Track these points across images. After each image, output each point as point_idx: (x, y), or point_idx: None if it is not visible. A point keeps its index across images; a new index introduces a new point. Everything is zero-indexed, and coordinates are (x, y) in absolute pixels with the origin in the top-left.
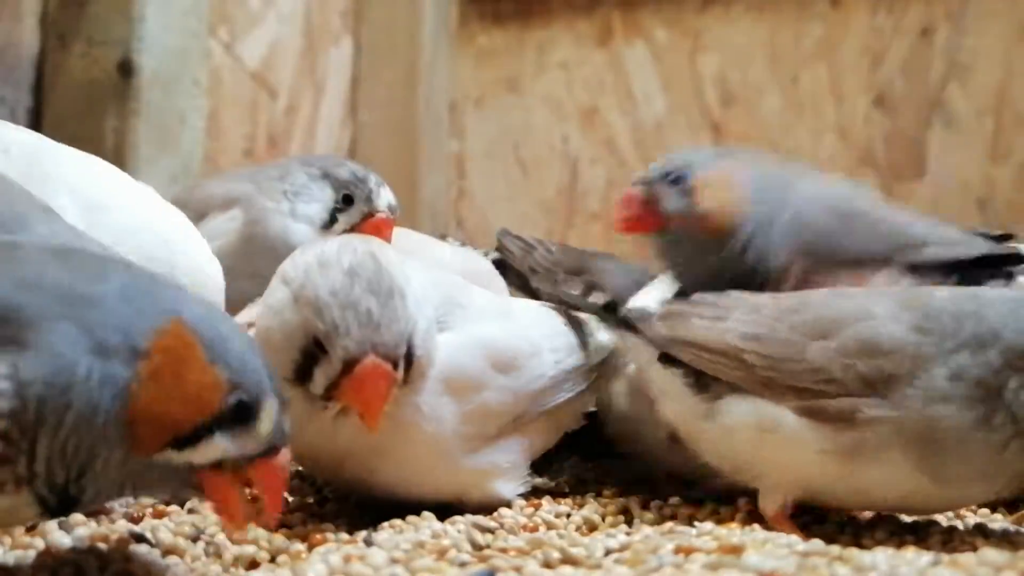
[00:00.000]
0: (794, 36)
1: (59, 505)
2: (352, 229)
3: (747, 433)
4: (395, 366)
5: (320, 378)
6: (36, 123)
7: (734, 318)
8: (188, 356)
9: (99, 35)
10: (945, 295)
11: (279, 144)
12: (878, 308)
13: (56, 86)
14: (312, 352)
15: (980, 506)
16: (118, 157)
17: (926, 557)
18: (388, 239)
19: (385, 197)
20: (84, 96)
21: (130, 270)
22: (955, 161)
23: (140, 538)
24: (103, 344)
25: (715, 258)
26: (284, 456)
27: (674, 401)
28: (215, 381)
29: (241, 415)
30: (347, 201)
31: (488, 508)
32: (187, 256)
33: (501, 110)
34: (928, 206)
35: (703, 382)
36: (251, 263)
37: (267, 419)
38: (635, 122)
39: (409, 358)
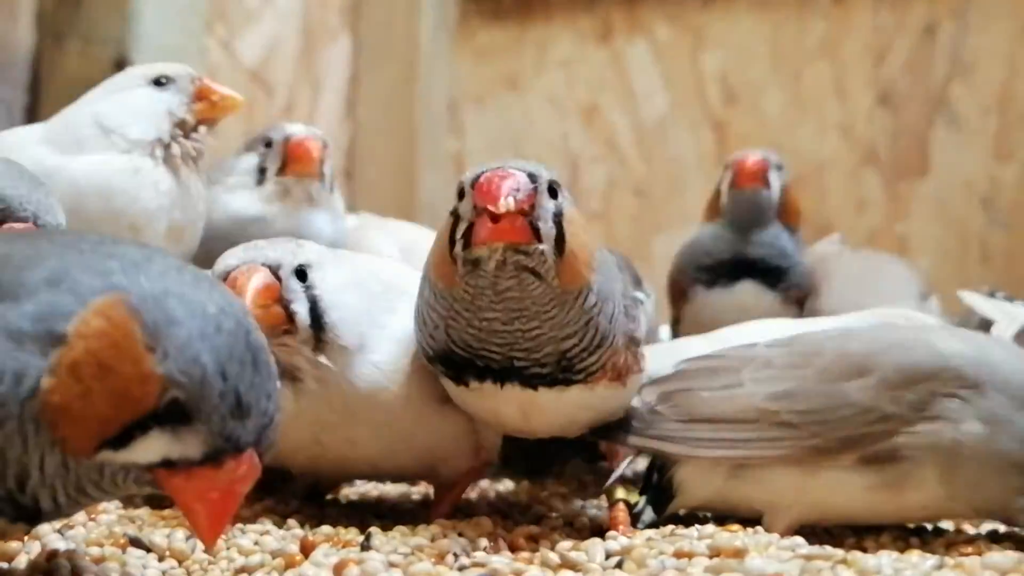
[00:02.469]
0: (797, 33)
1: (19, 515)
2: (283, 167)
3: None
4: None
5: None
6: (32, 120)
7: (748, 378)
8: (120, 341)
9: (95, 33)
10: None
11: None
12: (903, 336)
13: (52, 84)
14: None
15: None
16: None
17: (930, 560)
18: (315, 157)
19: (298, 125)
20: (80, 94)
21: (88, 248)
22: (959, 159)
23: (136, 542)
24: (15, 332)
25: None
26: (233, 468)
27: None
28: (147, 373)
29: (176, 415)
30: (265, 144)
31: (465, 477)
32: None
33: (501, 108)
34: (932, 204)
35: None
36: (210, 251)
37: (209, 421)
38: (636, 120)
39: (316, 312)
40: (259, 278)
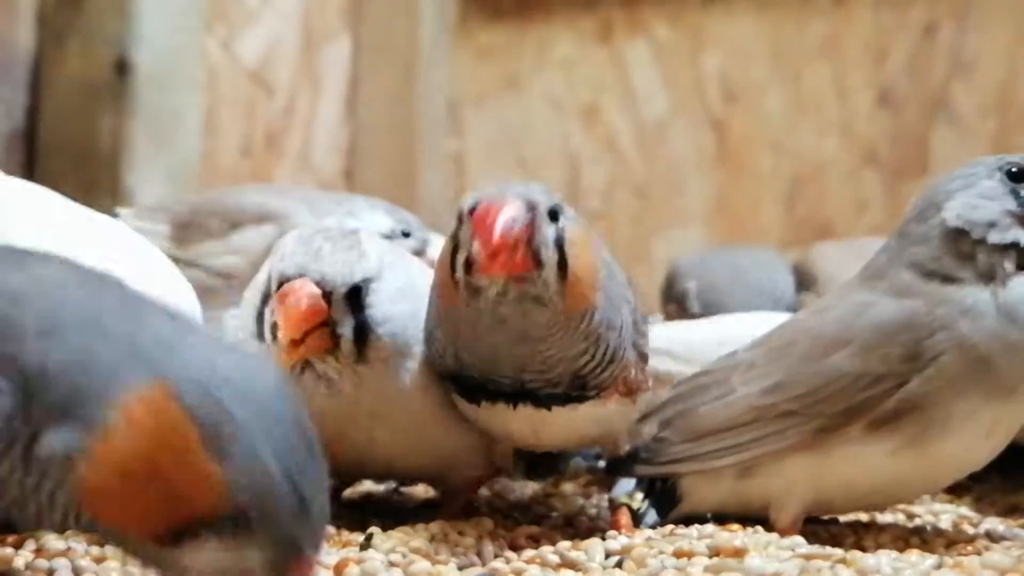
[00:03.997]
0: (797, 33)
1: None
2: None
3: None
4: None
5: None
6: (32, 121)
7: (738, 382)
8: (169, 440)
9: (95, 33)
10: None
11: (277, 143)
12: (867, 300)
13: (52, 84)
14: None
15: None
16: (114, 155)
17: (930, 560)
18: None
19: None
20: (80, 94)
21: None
22: (959, 159)
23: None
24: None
25: None
26: (297, 570)
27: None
28: (207, 479)
29: (239, 520)
30: (404, 235)
31: (475, 483)
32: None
33: (501, 108)
34: None
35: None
36: None
37: (274, 529)
38: (636, 120)
39: (363, 330)
40: (307, 300)
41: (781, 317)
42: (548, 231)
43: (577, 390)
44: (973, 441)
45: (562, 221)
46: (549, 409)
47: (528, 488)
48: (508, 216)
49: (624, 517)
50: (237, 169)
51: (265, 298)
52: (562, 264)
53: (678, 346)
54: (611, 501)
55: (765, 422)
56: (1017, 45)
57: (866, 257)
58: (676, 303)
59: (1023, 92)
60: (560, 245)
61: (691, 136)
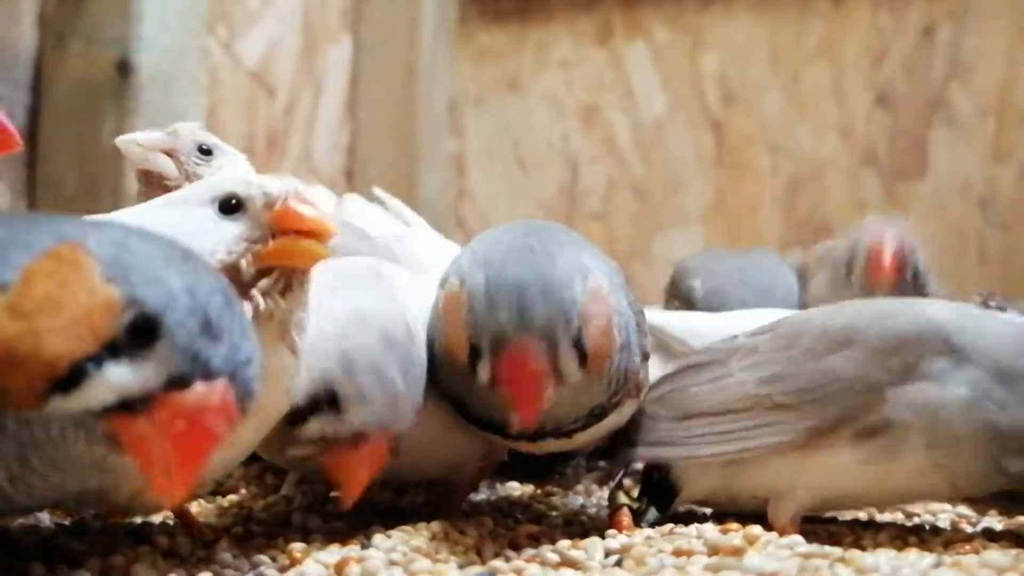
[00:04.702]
0: (795, 34)
1: None
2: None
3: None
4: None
5: (313, 430)
6: (34, 122)
7: (736, 367)
8: (70, 278)
9: (97, 34)
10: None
11: (278, 143)
12: (884, 305)
13: (54, 85)
14: (317, 404)
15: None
16: (115, 156)
17: (928, 559)
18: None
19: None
20: (82, 95)
21: (43, 218)
22: (957, 161)
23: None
24: None
25: None
26: (203, 394)
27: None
28: (105, 300)
29: (138, 335)
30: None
31: (475, 478)
32: None
33: (501, 109)
34: (930, 205)
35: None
36: None
37: (174, 337)
38: (635, 121)
39: None
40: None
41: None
42: (570, 355)
43: (596, 417)
44: (912, 474)
45: (578, 320)
46: (570, 437)
47: (528, 488)
48: (537, 392)
49: (625, 517)
50: None
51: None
52: (582, 358)
53: (691, 336)
54: (611, 500)
55: (757, 412)
56: (1015, 46)
57: None
58: (681, 301)
59: (1021, 93)
60: (581, 348)
61: (690, 137)
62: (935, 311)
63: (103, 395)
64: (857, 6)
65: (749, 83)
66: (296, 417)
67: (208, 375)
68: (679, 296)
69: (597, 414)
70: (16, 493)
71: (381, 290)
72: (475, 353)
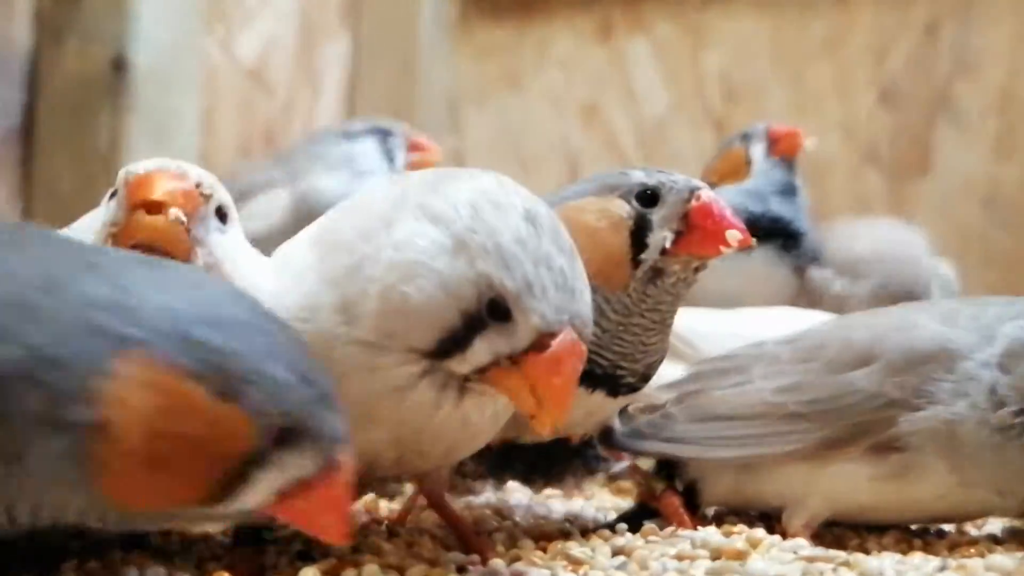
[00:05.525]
0: (798, 32)
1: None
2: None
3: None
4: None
5: (483, 352)
6: (30, 119)
7: (758, 375)
8: (182, 408)
9: (93, 31)
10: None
11: (275, 142)
12: (906, 319)
13: (50, 82)
14: (479, 317)
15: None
16: (112, 154)
17: (933, 562)
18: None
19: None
20: (78, 92)
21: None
22: (961, 159)
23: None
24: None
25: None
26: (336, 475)
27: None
28: (227, 425)
29: (280, 439)
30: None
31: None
32: None
33: (501, 107)
34: (933, 203)
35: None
36: None
37: (309, 429)
38: (636, 119)
39: None
40: (578, 370)
41: (807, 315)
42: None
43: (641, 381)
44: (940, 495)
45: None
46: (615, 397)
47: (528, 490)
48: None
49: (679, 509)
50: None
51: (472, 318)
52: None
53: (698, 338)
54: (648, 487)
55: (772, 420)
56: (1019, 43)
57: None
58: None
59: None
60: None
61: (692, 135)
62: (950, 325)
63: (261, 495)
64: (860, 3)
65: (751, 81)
66: (447, 346)
67: (339, 441)
68: None
69: (643, 377)
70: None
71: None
72: (640, 223)
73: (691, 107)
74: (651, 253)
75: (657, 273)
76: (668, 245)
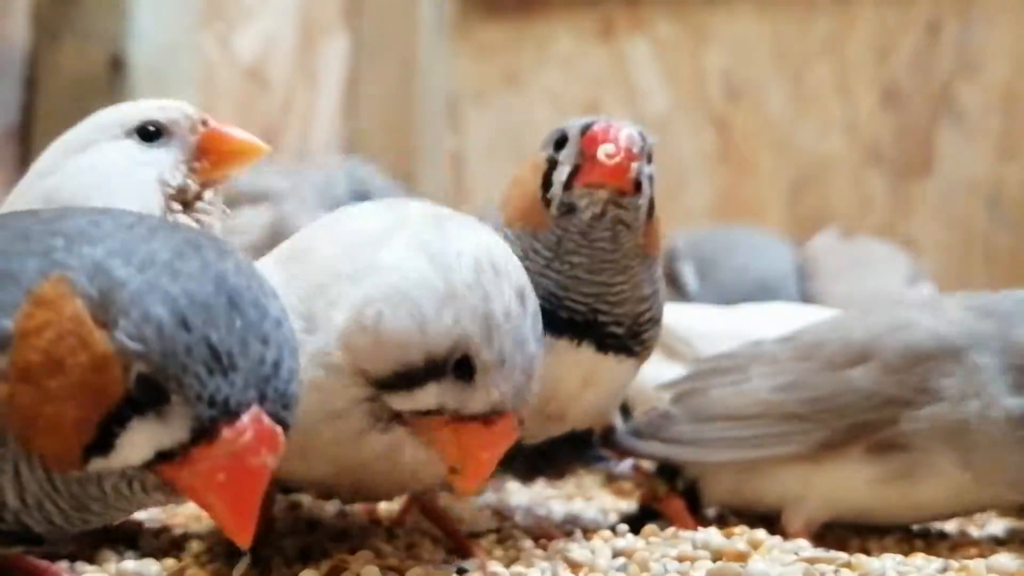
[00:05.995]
0: (800, 31)
1: (18, 538)
2: None
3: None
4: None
5: (430, 398)
6: (28, 118)
7: (756, 374)
8: (67, 327)
9: (90, 30)
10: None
11: (274, 140)
12: (910, 316)
13: (47, 81)
14: (443, 369)
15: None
16: None
17: (935, 563)
18: None
19: None
20: (75, 91)
21: (37, 228)
22: (963, 158)
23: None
24: None
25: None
26: (233, 438)
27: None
28: (103, 356)
29: (150, 393)
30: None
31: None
32: None
33: (501, 105)
34: (936, 203)
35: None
36: None
37: (183, 387)
38: (637, 118)
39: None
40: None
41: (803, 310)
42: (647, 167)
43: (632, 339)
44: (951, 493)
45: (653, 165)
46: (605, 352)
47: (528, 490)
48: (628, 133)
49: (683, 513)
50: None
51: (433, 365)
52: (650, 204)
53: (696, 337)
54: (651, 488)
55: (771, 420)
56: (1021, 43)
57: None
58: (670, 282)
59: None
60: (651, 186)
61: (693, 134)
62: (947, 322)
63: (139, 452)
64: (861, 2)
65: (753, 80)
66: (397, 381)
67: (230, 412)
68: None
69: (633, 335)
70: (72, 527)
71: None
72: (552, 162)
73: (692, 106)
74: (555, 189)
75: (570, 208)
76: (564, 178)
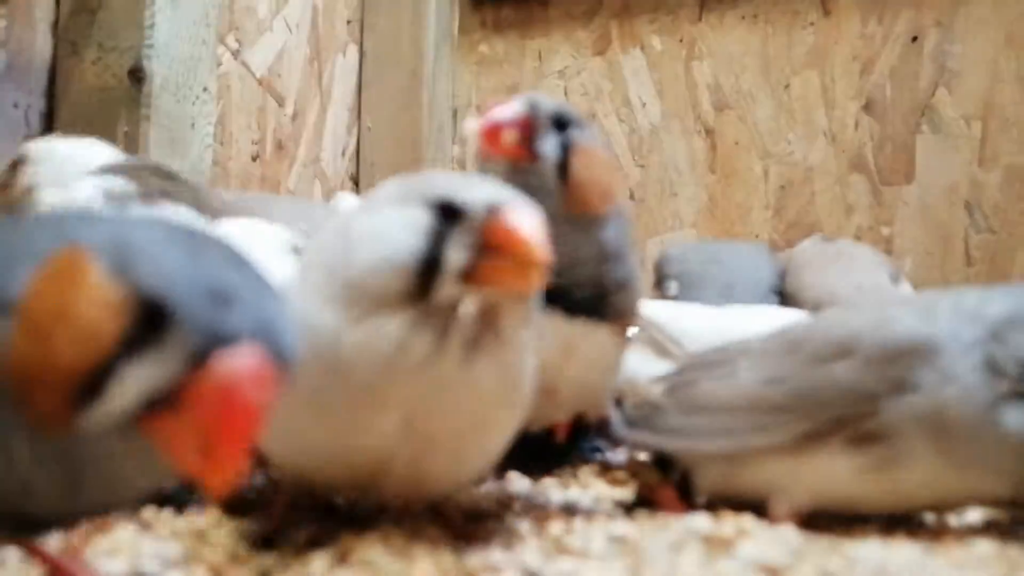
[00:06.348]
0: (786, 44)
1: (18, 525)
2: None
3: (781, 481)
4: None
5: (456, 254)
6: (49, 128)
7: (743, 368)
8: (73, 283)
9: (110, 42)
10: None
11: (286, 149)
12: (886, 313)
13: (69, 92)
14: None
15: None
16: None
17: (917, 547)
18: None
19: None
20: (96, 102)
21: (55, 218)
22: (943, 166)
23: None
24: None
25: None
26: (229, 365)
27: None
28: (108, 298)
29: (149, 325)
30: None
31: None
32: None
33: None
34: (917, 209)
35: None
36: None
37: (185, 314)
38: (631, 128)
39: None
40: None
41: (785, 312)
42: (550, 134)
43: (600, 301)
44: (931, 482)
45: (573, 131)
46: (575, 316)
47: (526, 480)
48: (501, 107)
49: (673, 501)
50: (248, 174)
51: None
52: (563, 166)
53: (686, 337)
54: (641, 476)
55: (755, 412)
56: (1000, 54)
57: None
58: (657, 289)
59: (1006, 100)
60: (565, 149)
61: (684, 143)
62: (927, 319)
63: (130, 397)
64: (846, 16)
65: (741, 91)
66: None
67: (228, 341)
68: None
69: (601, 296)
70: (79, 507)
71: None
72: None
73: (683, 116)
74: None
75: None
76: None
